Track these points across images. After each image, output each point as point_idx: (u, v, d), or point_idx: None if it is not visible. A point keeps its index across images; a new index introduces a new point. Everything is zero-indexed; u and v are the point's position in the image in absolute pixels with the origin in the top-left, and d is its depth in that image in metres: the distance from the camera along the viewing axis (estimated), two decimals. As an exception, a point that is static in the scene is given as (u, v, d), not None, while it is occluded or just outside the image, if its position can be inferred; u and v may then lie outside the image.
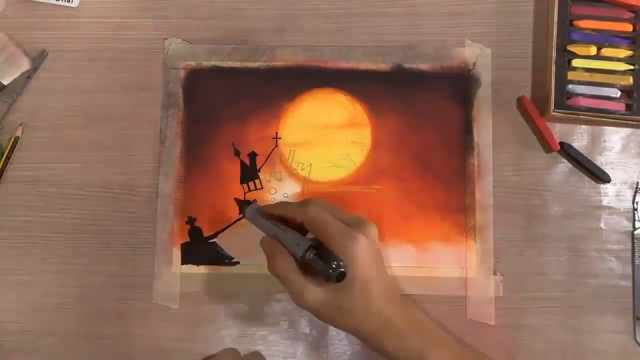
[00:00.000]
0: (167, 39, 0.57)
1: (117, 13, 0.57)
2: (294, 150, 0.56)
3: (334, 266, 0.43)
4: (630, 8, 0.56)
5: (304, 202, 0.47)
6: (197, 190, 0.55)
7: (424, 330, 0.47)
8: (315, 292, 0.45)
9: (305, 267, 0.45)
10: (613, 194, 0.55)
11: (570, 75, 0.55)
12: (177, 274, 0.54)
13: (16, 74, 0.55)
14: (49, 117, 0.56)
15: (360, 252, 0.44)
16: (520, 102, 0.56)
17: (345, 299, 0.44)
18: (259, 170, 0.56)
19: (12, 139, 0.55)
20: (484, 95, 0.56)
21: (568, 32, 0.55)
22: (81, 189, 0.55)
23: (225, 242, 0.55)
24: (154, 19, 0.57)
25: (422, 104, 0.56)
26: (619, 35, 0.55)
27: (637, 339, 0.54)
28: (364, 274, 0.44)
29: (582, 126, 0.56)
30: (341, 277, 0.43)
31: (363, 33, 0.57)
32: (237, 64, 0.57)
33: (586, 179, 0.56)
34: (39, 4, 0.57)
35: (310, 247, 0.44)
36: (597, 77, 0.55)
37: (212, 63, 0.57)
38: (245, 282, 0.54)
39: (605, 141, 0.56)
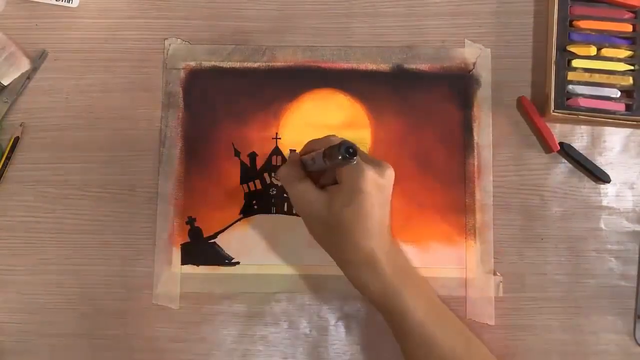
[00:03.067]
0: (167, 39, 0.57)
1: (117, 13, 0.57)
2: (294, 151, 0.56)
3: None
4: (630, 8, 0.56)
5: (327, 136, 0.49)
6: (197, 190, 0.55)
7: (405, 274, 0.48)
8: (317, 199, 0.46)
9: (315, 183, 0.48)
10: (613, 194, 0.55)
11: (570, 75, 0.55)
12: (177, 274, 0.54)
13: (16, 74, 0.55)
14: (49, 117, 0.56)
15: (363, 183, 0.44)
16: (520, 102, 0.56)
17: (338, 220, 0.45)
18: (259, 171, 0.56)
19: (12, 139, 0.55)
20: (484, 95, 0.56)
21: (568, 32, 0.55)
22: (81, 189, 0.55)
23: (225, 242, 0.55)
24: (154, 19, 0.57)
25: (422, 104, 0.56)
26: (619, 35, 0.55)
27: (637, 337, 0.54)
28: (360, 204, 0.44)
29: (582, 126, 0.56)
30: (353, 150, 0.42)
31: (363, 33, 0.57)
32: (237, 64, 0.57)
33: (586, 179, 0.56)
34: (39, 4, 0.57)
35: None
36: (597, 78, 0.55)
37: (212, 63, 0.57)
38: (245, 282, 0.54)
39: (605, 141, 0.56)
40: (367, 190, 0.45)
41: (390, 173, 0.47)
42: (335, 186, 0.46)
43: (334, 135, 0.49)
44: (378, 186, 0.45)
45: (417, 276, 0.50)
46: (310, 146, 0.50)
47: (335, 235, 0.46)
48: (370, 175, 0.45)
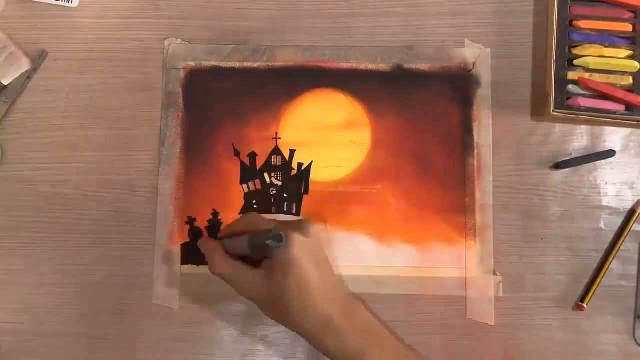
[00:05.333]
0: (167, 39, 0.57)
1: (117, 13, 0.57)
2: (294, 151, 0.56)
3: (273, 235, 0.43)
4: (630, 8, 0.56)
5: (243, 215, 0.51)
6: (197, 190, 0.55)
7: (366, 330, 0.47)
8: (252, 281, 0.46)
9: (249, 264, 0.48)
10: (613, 194, 0.55)
11: (570, 75, 0.55)
12: (177, 274, 0.54)
13: (16, 74, 0.55)
14: (49, 117, 0.56)
15: (293, 251, 0.44)
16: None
17: (282, 295, 0.45)
18: (259, 171, 0.56)
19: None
20: (484, 95, 0.56)
21: (568, 32, 0.55)
22: (81, 189, 0.55)
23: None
24: (154, 19, 0.57)
25: (422, 104, 0.56)
26: (619, 35, 0.55)
27: (637, 337, 0.54)
28: (299, 273, 0.44)
29: (582, 126, 0.56)
30: (280, 237, 0.43)
31: (363, 33, 0.57)
32: (237, 64, 0.57)
33: (586, 178, 0.56)
34: (39, 4, 0.57)
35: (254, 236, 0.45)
36: (597, 77, 0.55)
37: (212, 63, 0.57)
38: (245, 282, 0.54)
39: (605, 141, 0.56)
40: (298, 255, 0.44)
41: (314, 229, 0.47)
42: (267, 260, 0.46)
43: (251, 213, 0.52)
44: (307, 247, 0.45)
45: (381, 330, 0.48)
46: (228, 230, 0.50)
47: (285, 309, 0.45)
48: (296, 240, 0.44)
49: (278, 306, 0.46)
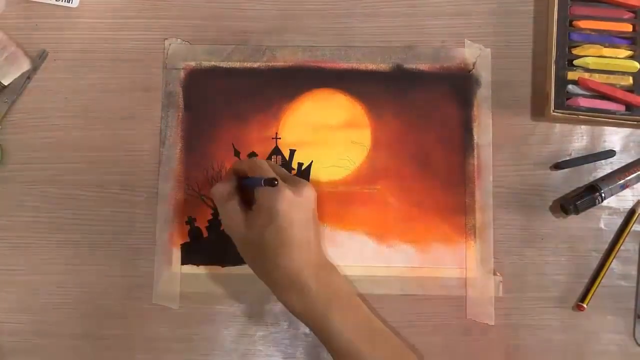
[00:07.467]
0: (167, 39, 0.57)
1: (117, 13, 0.57)
2: (294, 151, 0.56)
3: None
4: (630, 8, 0.56)
5: (251, 159, 0.53)
6: (197, 191, 0.55)
7: (333, 294, 0.47)
8: (240, 220, 0.47)
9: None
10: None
11: (570, 75, 0.55)
12: (177, 274, 0.54)
13: (16, 74, 0.55)
14: (49, 117, 0.56)
15: (281, 202, 0.45)
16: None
17: (259, 241, 0.46)
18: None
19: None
20: (484, 95, 0.56)
21: (568, 32, 0.55)
22: (81, 189, 0.55)
23: (225, 242, 0.55)
24: (154, 19, 0.57)
25: (422, 104, 0.56)
26: (619, 35, 0.55)
27: (637, 337, 0.54)
28: (279, 224, 0.45)
29: (582, 126, 0.56)
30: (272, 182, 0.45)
31: (363, 33, 0.57)
32: (237, 64, 0.57)
33: (585, 179, 0.55)
34: (39, 4, 0.57)
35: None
36: (597, 77, 0.55)
37: (212, 63, 0.57)
38: (245, 282, 0.54)
39: (605, 141, 0.56)
40: (283, 209, 0.45)
41: (308, 191, 0.48)
42: (255, 206, 0.47)
43: (255, 158, 0.53)
44: (296, 205, 0.46)
45: (347, 293, 0.49)
46: (233, 170, 0.51)
47: (260, 256, 0.47)
48: (286, 194, 0.45)
49: (254, 251, 0.47)
